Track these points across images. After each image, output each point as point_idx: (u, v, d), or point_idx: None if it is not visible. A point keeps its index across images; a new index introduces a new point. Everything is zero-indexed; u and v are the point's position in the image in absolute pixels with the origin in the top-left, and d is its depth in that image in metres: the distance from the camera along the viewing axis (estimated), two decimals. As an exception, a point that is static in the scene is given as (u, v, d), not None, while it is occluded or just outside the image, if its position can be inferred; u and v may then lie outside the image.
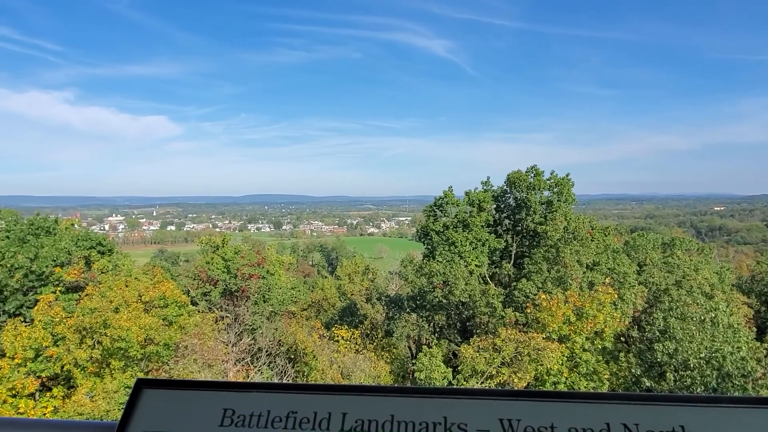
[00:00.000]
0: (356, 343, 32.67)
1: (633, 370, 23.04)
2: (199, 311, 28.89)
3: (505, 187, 36.16)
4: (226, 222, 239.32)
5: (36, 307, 23.36)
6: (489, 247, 34.25)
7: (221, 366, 25.24)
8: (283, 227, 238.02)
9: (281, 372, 28.10)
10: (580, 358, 24.25)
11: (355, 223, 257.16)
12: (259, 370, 27.54)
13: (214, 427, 1.15)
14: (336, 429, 1.13)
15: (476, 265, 32.97)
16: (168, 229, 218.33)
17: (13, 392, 21.41)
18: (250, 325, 31.65)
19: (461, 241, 33.20)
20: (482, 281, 33.02)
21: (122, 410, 1.14)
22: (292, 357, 30.45)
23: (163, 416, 1.19)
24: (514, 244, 35.37)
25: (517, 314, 26.68)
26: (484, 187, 36.50)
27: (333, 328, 33.64)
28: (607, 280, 26.58)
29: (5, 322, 23.60)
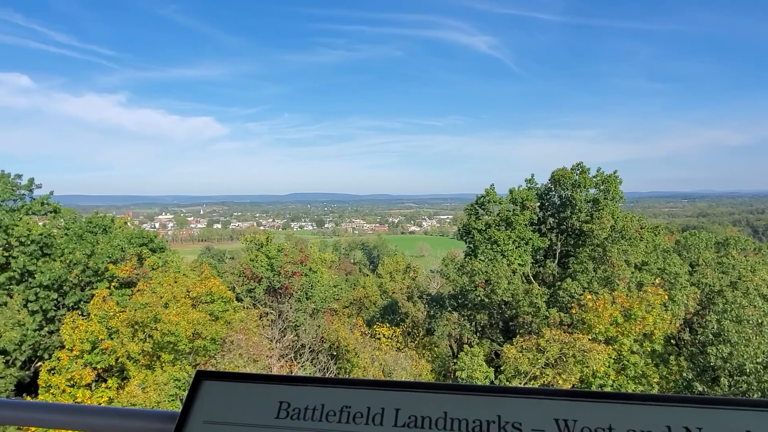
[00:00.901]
0: (397, 341, 32.74)
1: (684, 374, 22.23)
2: (244, 307, 29.56)
3: (549, 185, 35.46)
4: (270, 220, 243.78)
5: (92, 302, 24.45)
6: (532, 245, 33.68)
7: (266, 361, 25.74)
8: (326, 225, 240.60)
9: (324, 368, 28.45)
10: (628, 361, 23.56)
11: (396, 221, 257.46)
12: (302, 366, 27.97)
13: (270, 419, 1.19)
14: (389, 424, 1.14)
15: (519, 264, 32.47)
16: (214, 227, 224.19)
17: (72, 382, 22.51)
18: (294, 322, 32.17)
19: (504, 240, 32.76)
20: (525, 280, 32.50)
21: (176, 401, 1.18)
22: (335, 354, 30.77)
23: (221, 407, 1.24)
24: (559, 243, 34.64)
25: (562, 314, 26.13)
26: (528, 185, 35.90)
27: (374, 326, 33.82)
28: (656, 281, 25.71)
29: (65, 315, 24.82)
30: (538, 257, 34.78)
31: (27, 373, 25.37)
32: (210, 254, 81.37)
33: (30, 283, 26.39)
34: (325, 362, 29.57)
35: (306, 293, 34.51)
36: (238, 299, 31.19)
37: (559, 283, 29.45)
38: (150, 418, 1.37)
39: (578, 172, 33.81)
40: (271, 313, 32.03)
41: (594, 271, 27.28)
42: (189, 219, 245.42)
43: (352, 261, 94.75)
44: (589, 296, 24.71)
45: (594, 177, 33.80)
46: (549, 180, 35.36)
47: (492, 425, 1.12)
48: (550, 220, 35.80)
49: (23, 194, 28.85)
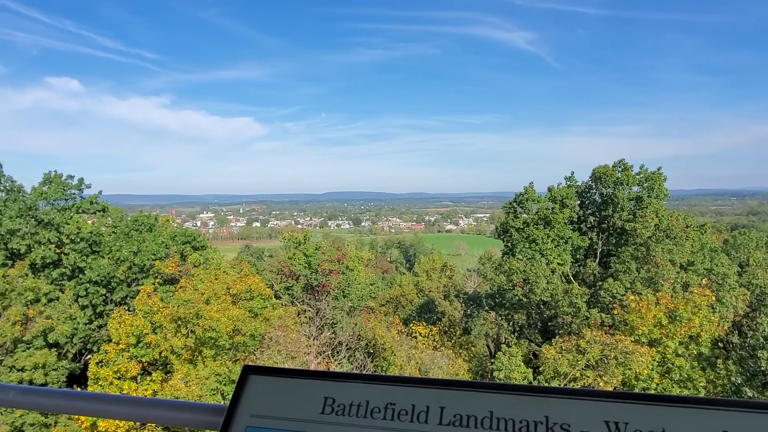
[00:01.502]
0: (434, 340, 32.65)
1: (733, 379, 21.39)
2: (282, 304, 30.02)
3: (590, 183, 34.65)
4: (308, 219, 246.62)
5: (137, 297, 25.29)
6: (572, 244, 33.00)
7: (303, 358, 26.07)
8: (362, 224, 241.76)
9: (360, 366, 28.61)
10: (673, 364, 22.82)
11: (432, 219, 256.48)
12: (339, 364, 28.20)
13: (316, 414, 1.20)
14: (434, 423, 1.14)
15: (558, 264, 31.87)
16: (253, 225, 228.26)
17: (118, 375, 23.34)
18: (331, 320, 32.49)
19: (543, 239, 32.21)
20: (565, 280, 31.88)
21: (217, 395, 1.22)
22: (371, 352, 30.90)
23: (268, 401, 1.27)
24: (600, 242, 33.83)
25: (603, 315, 25.54)
26: (568, 183, 35.17)
27: (411, 324, 33.81)
28: (703, 281, 24.83)
29: (112, 310, 25.74)
30: (578, 256, 34.06)
31: (78, 365, 26.45)
32: (249, 252, 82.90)
33: (80, 278, 27.48)
34: (361, 360, 29.74)
35: (343, 291, 34.80)
36: (277, 296, 31.70)
37: (600, 283, 28.80)
38: (199, 411, 1.42)
39: (620, 169, 32.91)
40: (309, 310, 32.41)
41: (637, 270, 26.54)
42: (229, 217, 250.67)
43: (388, 259, 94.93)
44: (631, 297, 24.06)
45: (637, 174, 32.84)
46: (590, 178, 34.55)
47: (539, 426, 1.10)
48: (591, 218, 34.99)
49: (74, 194, 30.06)
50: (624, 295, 25.07)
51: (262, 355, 24.73)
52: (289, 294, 34.12)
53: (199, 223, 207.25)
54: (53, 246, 27.81)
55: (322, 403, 1.22)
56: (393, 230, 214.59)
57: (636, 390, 22.07)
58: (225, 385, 23.06)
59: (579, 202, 35.15)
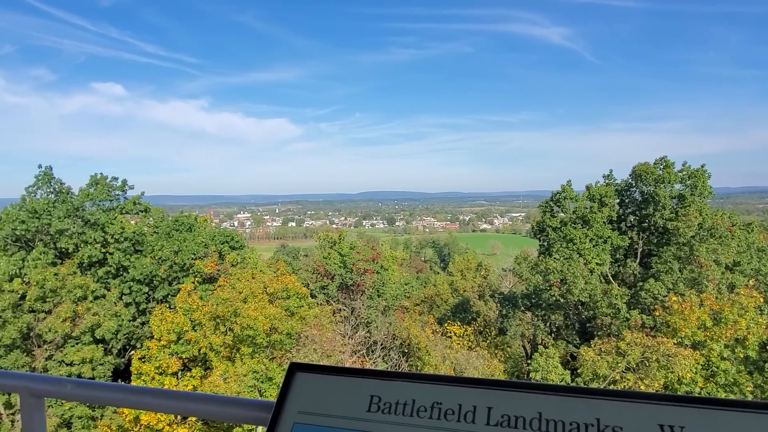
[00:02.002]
0: (469, 340, 32.45)
1: (783, 384, 20.51)
2: (317, 303, 30.32)
3: (630, 181, 33.77)
4: (342, 218, 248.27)
5: (178, 296, 25.97)
6: (611, 244, 32.23)
7: (338, 357, 26.27)
8: (396, 223, 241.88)
9: (395, 365, 28.67)
10: (718, 367, 22.03)
11: (467, 219, 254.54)
12: (374, 363, 28.33)
13: (362, 412, 1.22)
14: (481, 423, 1.13)
15: (597, 264, 31.18)
16: (289, 225, 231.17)
17: (160, 370, 24.01)
18: (365, 319, 32.64)
19: (580, 238, 31.57)
20: (604, 280, 31.17)
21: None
22: (406, 351, 30.91)
23: (314, 398, 1.29)
24: (640, 242, 32.93)
25: (644, 317, 24.88)
26: (606, 181, 34.37)
27: (446, 324, 33.68)
28: (750, 282, 23.89)
29: (154, 308, 26.52)
30: (617, 256, 33.24)
31: (122, 360, 27.36)
32: (285, 251, 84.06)
33: (124, 277, 28.41)
34: (396, 359, 29.78)
35: (377, 290, 34.91)
36: (312, 296, 32.03)
37: (640, 283, 28.05)
38: (247, 406, 1.47)
39: (662, 166, 31.96)
40: (344, 309, 32.65)
41: (680, 271, 25.74)
42: (265, 217, 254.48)
43: (423, 259, 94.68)
44: (674, 298, 23.36)
45: (679, 172, 31.83)
46: (629, 175, 33.67)
47: (590, 428, 1.07)
48: (631, 217, 34.10)
49: (118, 195, 31.08)
50: (666, 296, 24.37)
51: (299, 353, 25.04)
52: (324, 293, 34.44)
53: (236, 223, 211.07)
54: (99, 245, 28.80)
55: (368, 401, 1.23)
56: (427, 230, 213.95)
57: (669, 392, 21.42)
58: (262, 382, 23.45)
59: (618, 200, 34.31)
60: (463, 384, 1.21)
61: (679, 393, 20.96)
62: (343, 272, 34.67)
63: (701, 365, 22.16)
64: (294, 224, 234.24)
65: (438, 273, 62.01)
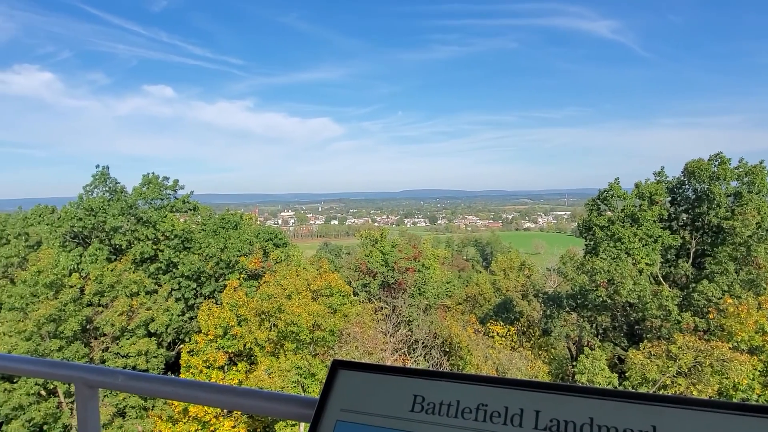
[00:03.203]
0: (512, 340, 31.97)
1: None
2: (359, 301, 30.52)
3: (682, 178, 32.49)
4: (384, 217, 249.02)
5: (224, 292, 26.66)
6: (662, 243, 31.10)
7: (379, 354, 26.38)
8: (438, 222, 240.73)
9: (436, 364, 28.56)
10: (778, 374, 20.99)
11: (510, 217, 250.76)
12: (415, 361, 28.30)
13: (405, 412, 1.20)
14: (529, 426, 1.09)
15: (646, 264, 30.15)
16: (332, 223, 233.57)
17: (207, 364, 24.74)
18: (407, 317, 32.64)
19: (629, 237, 30.60)
20: (654, 281, 30.12)
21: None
22: (447, 350, 30.75)
23: (357, 396, 1.29)
24: (693, 241, 31.64)
25: (697, 319, 23.92)
26: (657, 178, 33.18)
27: (488, 324, 33.31)
28: (814, 285, 22.60)
29: (201, 303, 27.32)
30: (668, 256, 32.04)
31: (172, 353, 28.30)
32: (328, 249, 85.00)
33: (174, 273, 29.37)
34: (437, 358, 29.67)
35: (419, 289, 34.84)
36: (354, 293, 32.26)
37: (693, 285, 27.00)
38: (292, 402, 1.49)
39: (717, 163, 30.59)
40: (386, 307, 32.75)
41: (736, 272, 24.62)
42: (308, 216, 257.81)
43: (464, 257, 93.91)
44: (729, 300, 22.37)
45: (736, 168, 30.38)
46: (682, 172, 32.40)
47: None
48: (684, 216, 32.80)
49: (169, 194, 32.12)
50: (721, 298, 23.37)
51: (340, 350, 25.28)
52: (366, 291, 34.63)
53: (280, 221, 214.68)
54: (150, 242, 29.87)
55: (411, 400, 1.21)
56: (469, 228, 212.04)
57: (735, 401, 20.50)
58: (305, 378, 23.81)
59: (670, 198, 33.08)
60: (509, 386, 1.17)
61: (735, 401, 20.06)
62: (384, 270, 34.77)
63: (759, 371, 21.14)
64: (336, 222, 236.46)
65: (480, 272, 61.36)
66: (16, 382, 22.85)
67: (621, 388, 22.60)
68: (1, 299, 24.65)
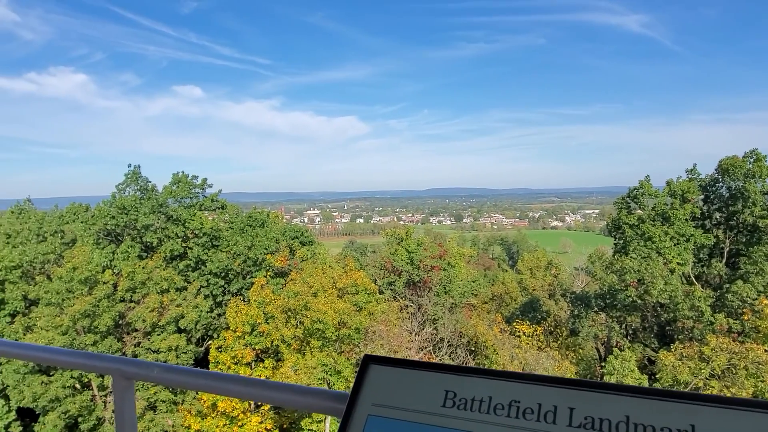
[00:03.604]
0: (538, 340, 31.65)
1: None
2: (385, 300, 30.57)
3: (715, 176, 31.66)
4: (410, 215, 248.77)
5: (252, 289, 27.00)
6: (694, 243, 30.37)
7: (405, 353, 26.38)
8: (464, 220, 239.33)
9: (462, 363, 28.42)
10: (818, 378, 20.30)
11: (537, 216, 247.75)
12: (440, 360, 28.22)
13: (436, 407, 1.20)
14: (563, 424, 1.08)
15: (678, 263, 29.49)
16: (357, 221, 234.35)
17: (235, 360, 25.09)
18: (432, 316, 32.57)
19: (660, 236, 29.96)
20: (686, 281, 29.45)
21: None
22: (473, 349, 30.59)
23: (388, 391, 1.30)
24: (727, 240, 30.80)
25: (731, 321, 23.32)
26: (689, 176, 32.41)
27: (514, 323, 33.03)
28: None
29: (229, 300, 27.73)
30: (701, 256, 31.28)
31: (201, 349, 28.82)
32: (353, 247, 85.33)
33: (203, 270, 29.89)
34: (463, 357, 29.55)
35: (444, 287, 34.74)
36: (380, 291, 32.34)
37: (727, 285, 26.31)
38: (323, 396, 1.51)
39: (752, 160, 29.73)
40: (411, 306, 32.74)
41: (773, 272, 23.89)
42: (334, 214, 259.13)
43: (490, 256, 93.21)
44: (765, 301, 21.72)
45: (773, 165, 29.49)
46: (715, 170, 31.58)
47: None
48: (717, 214, 31.96)
49: (198, 192, 32.68)
50: (756, 299, 22.73)
51: (366, 348, 25.38)
52: (391, 289, 34.68)
53: (306, 220, 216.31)
54: (180, 240, 30.44)
55: (443, 396, 1.21)
56: (495, 227, 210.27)
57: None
58: (331, 375, 23.97)
59: (703, 196, 32.28)
60: (542, 382, 1.17)
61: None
62: (410, 269, 34.76)
63: (797, 375, 20.49)
64: (362, 221, 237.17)
65: (506, 271, 60.86)
66: (53, 375, 23.58)
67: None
68: (38, 295, 25.43)
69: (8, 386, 23.47)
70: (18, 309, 26.02)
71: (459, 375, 1.24)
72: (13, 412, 24.16)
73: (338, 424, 1.30)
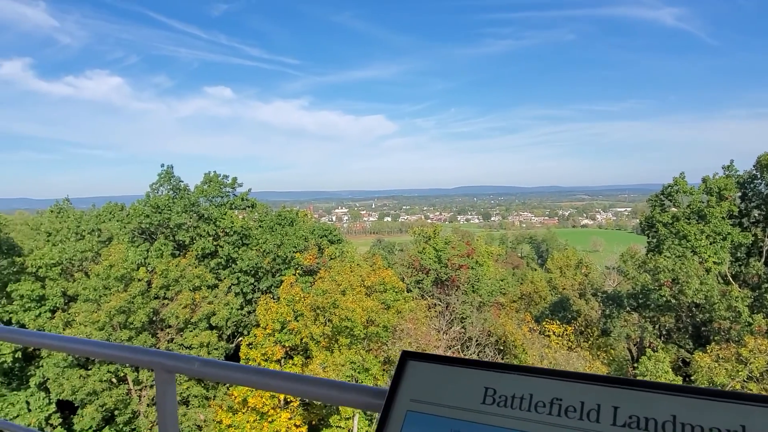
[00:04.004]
0: (569, 340, 31.18)
1: None
2: (413, 298, 30.54)
3: (754, 172, 30.66)
4: (437, 213, 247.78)
5: (281, 287, 27.30)
6: (731, 241, 29.48)
7: (433, 351, 26.30)
8: (492, 218, 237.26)
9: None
10: None
11: (567, 214, 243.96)
12: (469, 359, 28.05)
13: (476, 404, 1.20)
14: (607, 423, 1.06)
15: (714, 262, 28.67)
16: (385, 220, 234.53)
17: (265, 357, 25.40)
18: (460, 314, 32.40)
19: (695, 234, 29.17)
20: (722, 281, 28.61)
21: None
22: (501, 348, 30.31)
23: (426, 387, 1.30)
24: (766, 239, 29.80)
25: (771, 322, 22.54)
26: (727, 173, 31.45)
27: (543, 323, 32.61)
28: None
29: (259, 298, 28.11)
30: (738, 255, 30.34)
31: (231, 346, 29.30)
32: (381, 246, 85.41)
33: (233, 268, 30.36)
34: (491, 356, 29.28)
35: (472, 286, 34.51)
36: (408, 290, 32.32)
37: (766, 285, 25.45)
38: (362, 392, 1.53)
39: (794, 155, 28.69)
40: (439, 304, 32.63)
41: (816, 272, 23.03)
42: (362, 212, 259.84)
43: (519, 255, 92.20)
44: (808, 302, 20.95)
45: (816, 161, 28.41)
46: (754, 166, 30.58)
47: None
48: (756, 212, 30.94)
49: (228, 192, 33.19)
50: (798, 300, 21.91)
51: (394, 346, 25.40)
52: (419, 288, 34.62)
53: (334, 218, 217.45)
54: (211, 238, 30.99)
55: (482, 392, 1.21)
56: (524, 225, 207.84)
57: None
58: (359, 372, 24.07)
59: (740, 193, 31.30)
60: (584, 380, 1.15)
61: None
62: (437, 267, 34.63)
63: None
64: (390, 219, 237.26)
65: (535, 270, 60.12)
66: (90, 369, 24.31)
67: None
68: (77, 291, 26.24)
69: (48, 379, 24.31)
70: (58, 305, 26.91)
71: (498, 372, 1.23)
72: (54, 405, 25.01)
73: (367, 422, 1.32)
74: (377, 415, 1.35)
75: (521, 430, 1.13)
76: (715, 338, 24.75)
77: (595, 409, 1.09)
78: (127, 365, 24.44)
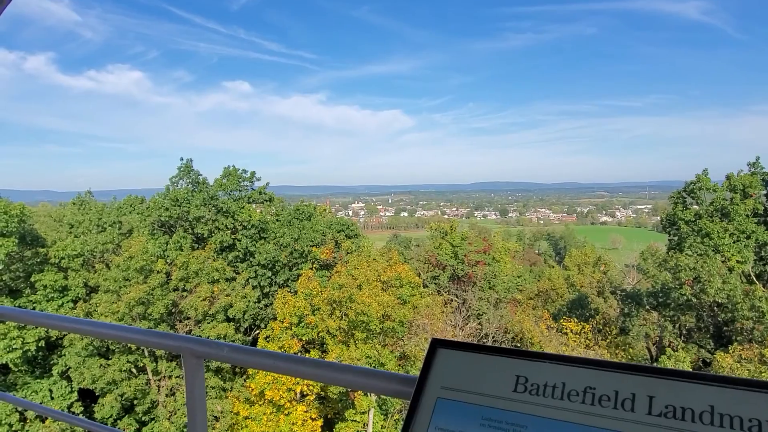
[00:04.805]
0: (587, 338, 30.90)
1: None
2: (429, 293, 30.53)
3: (780, 170, 30.05)
4: (454, 209, 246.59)
5: (299, 281, 27.49)
6: (756, 240, 28.94)
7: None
8: (509, 215, 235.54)
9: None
10: None
11: (585, 211, 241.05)
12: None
13: (508, 392, 1.19)
14: (642, 412, 1.05)
15: (738, 261, 28.18)
16: (401, 215, 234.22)
17: (282, 350, 25.63)
18: (477, 310, 32.33)
19: (718, 233, 28.69)
20: (746, 280, 28.10)
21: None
22: (518, 345, 30.19)
23: (457, 374, 1.30)
24: (792, 238, 29.20)
25: (796, 323, 22.08)
26: (752, 170, 30.86)
27: (561, 320, 32.37)
28: None
29: (276, 291, 28.34)
30: (763, 254, 29.77)
31: (248, 338, 29.59)
32: (397, 241, 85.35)
33: (251, 261, 30.63)
34: (508, 353, 29.15)
35: (489, 282, 34.39)
36: (424, 285, 32.31)
37: (792, 285, 24.92)
38: (391, 380, 1.54)
39: (822, 153, 28.01)
40: (455, 300, 32.59)
41: (843, 273, 22.49)
42: (378, 207, 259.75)
43: (536, 251, 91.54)
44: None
45: None
46: (780, 163, 29.95)
47: None
48: (781, 210, 30.33)
49: (246, 185, 33.47)
50: (824, 300, 21.43)
51: (410, 341, 25.43)
52: (435, 283, 34.60)
53: (350, 213, 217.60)
54: (229, 232, 31.29)
55: (513, 381, 1.20)
56: (542, 221, 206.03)
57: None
58: (375, 367, 24.16)
59: (765, 191, 30.68)
60: (618, 369, 1.13)
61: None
62: (454, 263, 34.57)
63: None
64: (406, 214, 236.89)
65: (553, 267, 59.63)
66: (111, 359, 24.77)
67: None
68: (98, 282, 26.72)
69: (70, 368, 24.82)
70: (80, 295, 27.43)
71: (530, 360, 1.22)
72: (75, 393, 25.54)
73: (382, 416, 1.32)
74: (406, 403, 1.36)
75: (554, 418, 1.11)
76: (738, 338, 24.35)
77: (629, 398, 1.08)
78: (154, 350, 24.84)
